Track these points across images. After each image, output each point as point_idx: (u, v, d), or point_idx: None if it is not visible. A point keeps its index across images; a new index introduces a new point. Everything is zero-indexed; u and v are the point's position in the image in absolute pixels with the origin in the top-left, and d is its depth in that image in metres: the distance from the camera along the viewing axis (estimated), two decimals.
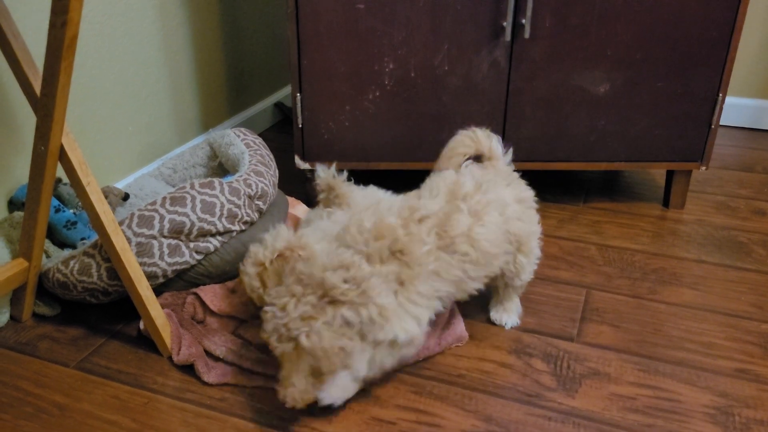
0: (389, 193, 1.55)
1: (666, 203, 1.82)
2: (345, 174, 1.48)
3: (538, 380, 1.21)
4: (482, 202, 1.17)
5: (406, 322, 1.06)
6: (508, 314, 1.36)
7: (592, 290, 1.46)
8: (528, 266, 1.28)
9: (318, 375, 1.03)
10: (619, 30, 1.57)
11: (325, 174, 1.47)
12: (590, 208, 1.81)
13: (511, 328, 1.35)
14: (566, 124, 1.68)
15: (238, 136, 1.65)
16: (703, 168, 1.72)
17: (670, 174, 1.79)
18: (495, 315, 1.36)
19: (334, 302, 1.02)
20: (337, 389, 1.06)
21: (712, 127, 1.67)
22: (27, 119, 1.45)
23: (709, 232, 1.70)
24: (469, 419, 1.12)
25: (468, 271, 1.14)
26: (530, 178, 1.95)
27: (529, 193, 1.28)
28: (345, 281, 1.03)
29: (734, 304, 1.41)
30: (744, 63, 2.30)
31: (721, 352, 1.27)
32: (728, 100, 2.36)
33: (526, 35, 1.57)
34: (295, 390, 1.04)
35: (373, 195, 1.51)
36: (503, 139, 1.70)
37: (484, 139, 1.30)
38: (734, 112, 2.37)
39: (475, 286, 1.19)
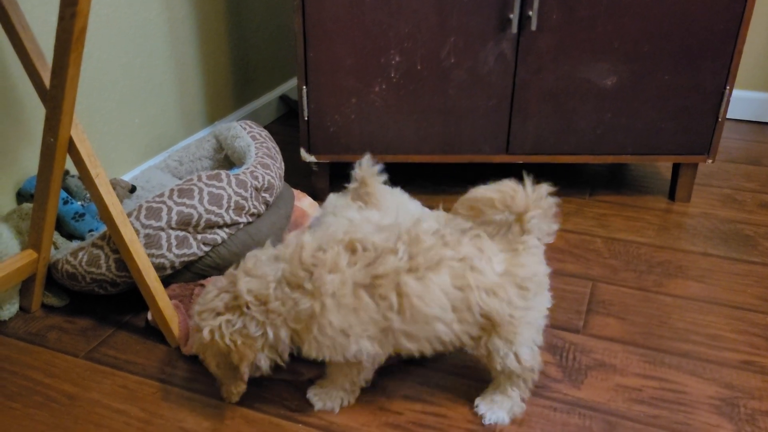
0: (413, 201, 1.53)
1: (672, 196, 1.82)
2: (382, 173, 1.41)
3: (543, 371, 1.21)
4: (435, 255, 0.99)
5: (319, 350, 1.02)
6: (491, 406, 1.12)
7: (598, 283, 1.46)
8: (508, 354, 1.04)
9: (233, 367, 1.04)
10: (627, 23, 1.57)
11: (365, 165, 1.39)
12: (596, 201, 1.81)
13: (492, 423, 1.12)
14: (573, 117, 1.68)
15: (244, 129, 1.65)
16: (710, 161, 1.72)
17: (676, 167, 1.79)
18: (478, 401, 1.14)
19: (241, 309, 1.03)
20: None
21: (719, 120, 1.67)
22: (35, 111, 1.45)
23: (715, 225, 1.70)
24: (475, 410, 1.13)
25: (393, 322, 0.99)
26: (536, 171, 1.96)
27: (532, 270, 1.03)
28: (251, 293, 1.02)
29: (740, 296, 1.42)
30: (751, 56, 2.29)
31: (726, 344, 1.28)
32: (735, 93, 2.36)
33: (533, 27, 1.57)
34: (224, 387, 1.08)
35: (400, 199, 1.49)
36: (509, 132, 1.70)
37: (520, 200, 1.03)
38: (741, 105, 2.37)
39: (416, 345, 1.02)
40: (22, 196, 1.43)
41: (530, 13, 1.56)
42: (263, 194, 1.46)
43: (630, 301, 1.40)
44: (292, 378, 1.19)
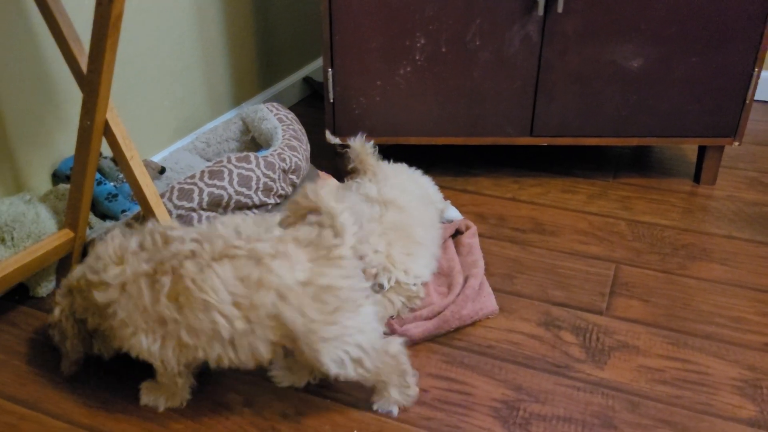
0: (419, 172, 1.57)
1: (697, 179, 1.82)
2: (373, 146, 1.50)
3: (567, 352, 1.23)
4: (222, 246, 0.96)
5: (116, 342, 1.06)
6: (380, 400, 1.11)
7: (622, 265, 1.47)
8: (328, 365, 0.99)
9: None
10: (654, 4, 1.56)
11: (356, 144, 1.49)
12: (620, 184, 1.81)
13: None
14: (598, 100, 1.69)
15: (271, 111, 1.68)
16: (736, 143, 1.71)
17: (701, 149, 1.79)
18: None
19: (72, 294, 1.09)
20: None
21: (747, 102, 1.66)
22: (70, 94, 1.48)
23: (740, 207, 1.70)
24: (499, 388, 1.15)
25: (163, 306, 0.97)
26: (560, 153, 1.97)
27: (331, 283, 0.96)
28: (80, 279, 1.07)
29: (764, 279, 1.42)
30: None
31: (750, 327, 1.29)
32: (763, 74, 2.34)
33: (559, 9, 1.57)
34: (63, 359, 1.15)
35: (403, 171, 1.53)
36: (533, 114, 1.71)
37: (318, 198, 0.97)
38: None
39: (199, 343, 0.98)
40: (57, 177, 1.47)
41: None
42: (290, 176, 1.48)
43: (653, 283, 1.41)
44: None
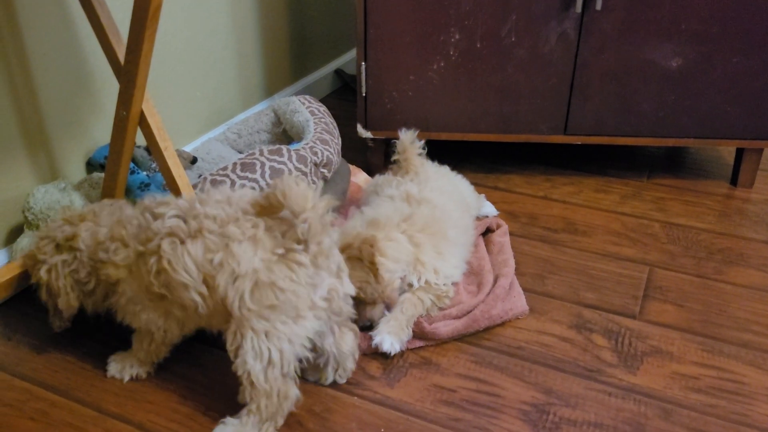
0: (460, 176, 1.56)
1: (734, 181, 1.78)
2: (421, 143, 1.48)
3: (598, 356, 1.21)
4: (196, 226, 0.99)
5: (123, 315, 1.10)
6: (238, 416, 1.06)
7: (655, 268, 1.45)
8: (239, 357, 0.99)
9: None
10: (696, 2, 1.53)
11: (404, 138, 1.47)
12: (654, 185, 1.78)
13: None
14: (634, 99, 1.66)
15: (303, 104, 1.67)
16: None
17: (739, 151, 1.75)
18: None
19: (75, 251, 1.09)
20: None
21: None
22: (105, 83, 1.49)
23: None
24: (529, 391, 1.14)
25: (155, 286, 1.01)
26: (594, 151, 1.94)
27: (273, 281, 0.96)
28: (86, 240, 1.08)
29: None
30: None
31: None
32: None
33: (598, 7, 1.54)
34: (51, 316, 1.17)
35: (445, 174, 1.52)
36: (568, 112, 1.69)
37: (294, 197, 0.95)
38: None
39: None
40: (91, 166, 1.48)
41: None
42: (322, 169, 1.48)
43: (688, 287, 1.39)
44: None
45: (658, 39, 1.58)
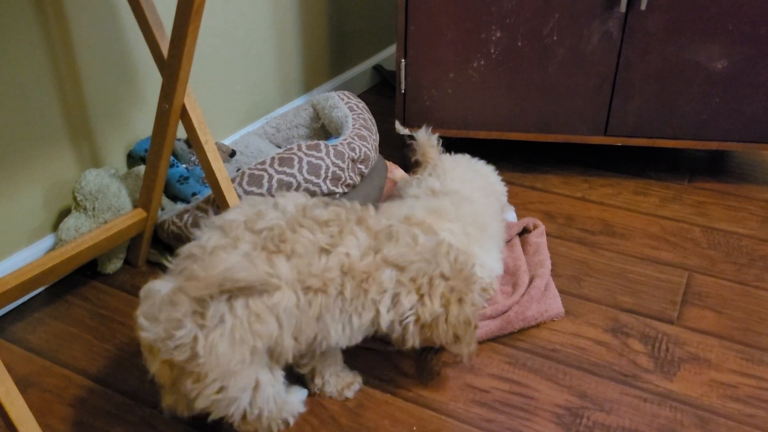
0: (482, 162, 1.55)
1: None
2: (437, 138, 1.50)
3: (634, 360, 1.20)
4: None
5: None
6: None
7: (695, 273, 1.43)
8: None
9: None
10: (744, 2, 1.50)
11: (420, 136, 1.49)
12: (696, 188, 1.75)
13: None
14: (677, 101, 1.63)
15: (342, 99, 1.68)
16: None
17: None
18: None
19: None
20: None
21: None
22: (147, 76, 1.51)
23: None
24: (563, 394, 1.13)
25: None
26: (633, 153, 1.91)
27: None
28: None
29: None
30: None
31: None
32: None
33: (643, 6, 1.52)
34: None
35: (462, 162, 1.51)
36: (609, 113, 1.66)
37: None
38: None
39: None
40: (131, 158, 1.50)
41: None
42: (359, 165, 1.48)
43: (728, 294, 1.36)
44: (382, 348, 1.22)
45: (703, 40, 1.55)
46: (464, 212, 1.31)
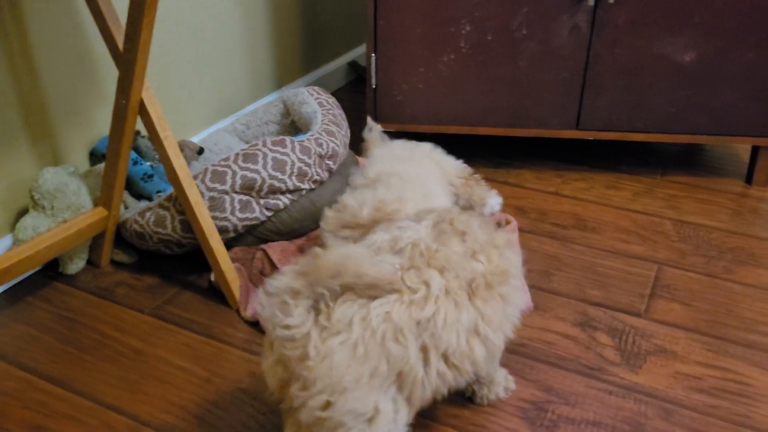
0: (413, 142, 1.54)
1: (749, 180, 1.74)
2: (379, 132, 1.53)
3: (601, 354, 1.19)
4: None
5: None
6: None
7: (664, 266, 1.42)
8: None
9: None
10: None
11: (367, 129, 1.51)
12: (667, 182, 1.75)
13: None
14: (647, 94, 1.63)
15: (312, 95, 1.66)
16: None
17: (755, 149, 1.71)
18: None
19: None
20: None
21: None
22: (109, 72, 1.49)
23: None
24: (529, 388, 1.12)
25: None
26: (606, 147, 1.91)
27: None
28: None
29: None
30: None
31: None
32: None
33: (611, 0, 1.51)
34: None
35: (395, 146, 1.51)
36: (580, 107, 1.66)
37: None
38: None
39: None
40: (94, 156, 1.48)
41: None
42: (327, 161, 1.47)
43: (697, 287, 1.36)
44: None
45: (671, 33, 1.55)
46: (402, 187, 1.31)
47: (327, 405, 0.78)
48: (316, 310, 0.78)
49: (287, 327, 0.77)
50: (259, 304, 0.80)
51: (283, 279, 0.78)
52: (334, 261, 0.76)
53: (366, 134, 1.54)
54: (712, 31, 1.53)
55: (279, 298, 0.77)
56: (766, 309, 1.29)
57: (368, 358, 0.77)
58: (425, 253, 0.85)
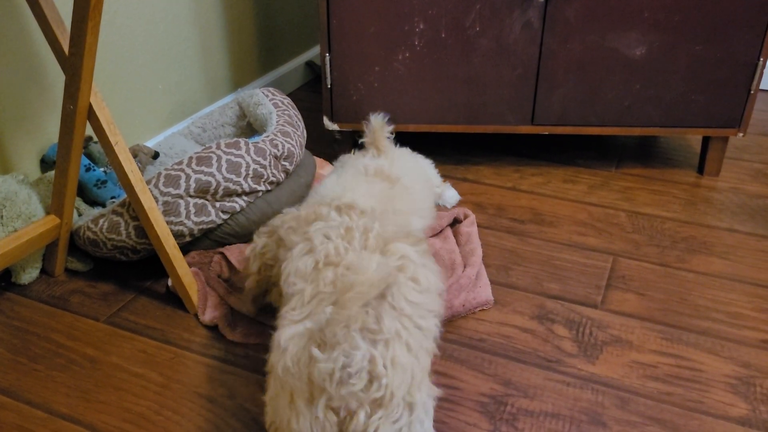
0: (420, 156, 1.55)
1: (701, 170, 1.78)
2: (390, 128, 1.47)
3: (559, 346, 1.20)
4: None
5: None
6: None
7: (619, 257, 1.44)
8: None
9: None
10: None
11: (375, 120, 1.46)
12: (623, 174, 1.78)
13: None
14: (600, 88, 1.65)
15: (267, 96, 1.65)
16: (741, 134, 1.67)
17: (706, 140, 1.75)
18: None
19: None
20: None
21: (752, 92, 1.62)
22: (58, 78, 1.46)
23: (743, 200, 1.66)
24: (487, 383, 1.13)
25: None
26: (563, 142, 1.93)
27: None
28: None
29: (764, 274, 1.39)
30: None
31: (747, 323, 1.25)
32: None
33: None
34: None
35: (406, 154, 1.51)
36: (534, 102, 1.68)
37: None
38: None
39: None
40: (45, 163, 1.45)
41: None
42: (283, 162, 1.46)
43: (651, 276, 1.38)
44: None
45: (621, 27, 1.57)
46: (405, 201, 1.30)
47: (410, 406, 0.78)
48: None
49: (348, 365, 0.75)
50: (318, 362, 0.76)
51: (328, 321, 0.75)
52: (378, 275, 0.75)
53: (375, 123, 1.46)
54: (661, 26, 1.56)
55: (347, 340, 0.75)
56: (718, 296, 1.32)
57: (419, 357, 0.81)
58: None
